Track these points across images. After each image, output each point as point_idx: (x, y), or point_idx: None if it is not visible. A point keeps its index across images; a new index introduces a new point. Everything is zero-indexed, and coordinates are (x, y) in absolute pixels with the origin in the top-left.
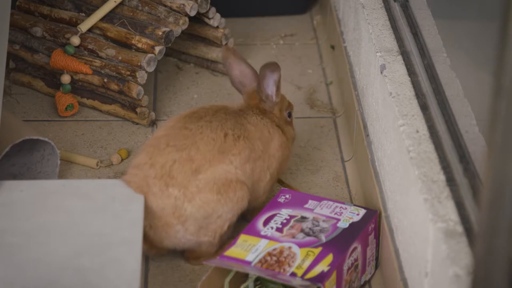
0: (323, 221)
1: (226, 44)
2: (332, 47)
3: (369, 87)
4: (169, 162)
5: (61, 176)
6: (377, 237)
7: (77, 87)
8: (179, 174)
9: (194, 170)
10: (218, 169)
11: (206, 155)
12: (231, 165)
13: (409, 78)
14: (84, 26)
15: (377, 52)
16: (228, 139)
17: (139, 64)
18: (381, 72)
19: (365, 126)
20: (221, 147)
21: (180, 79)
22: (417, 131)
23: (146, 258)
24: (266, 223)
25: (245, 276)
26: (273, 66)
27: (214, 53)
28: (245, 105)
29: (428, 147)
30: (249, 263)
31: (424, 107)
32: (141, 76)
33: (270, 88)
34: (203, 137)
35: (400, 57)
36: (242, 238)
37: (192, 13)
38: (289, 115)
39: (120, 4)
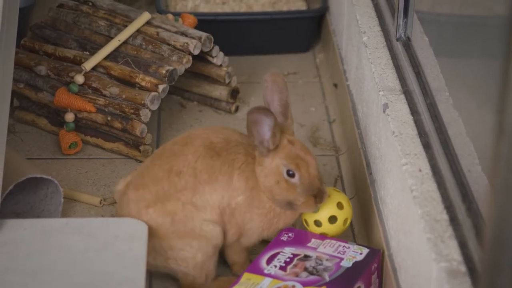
0: (327, 260)
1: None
2: (335, 85)
3: (371, 125)
4: None
5: (64, 214)
6: (380, 276)
7: (81, 125)
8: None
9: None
10: None
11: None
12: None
13: (412, 117)
14: (88, 65)
15: (379, 91)
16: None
17: (142, 102)
18: (384, 111)
19: (368, 165)
20: None
21: (183, 117)
22: (420, 170)
23: None
24: (269, 261)
25: None
26: (266, 111)
27: (217, 91)
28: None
29: (431, 186)
30: None
31: (427, 146)
32: (145, 114)
33: (265, 133)
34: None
35: (402, 96)
36: (246, 276)
37: (196, 52)
38: (291, 175)
39: (124, 43)
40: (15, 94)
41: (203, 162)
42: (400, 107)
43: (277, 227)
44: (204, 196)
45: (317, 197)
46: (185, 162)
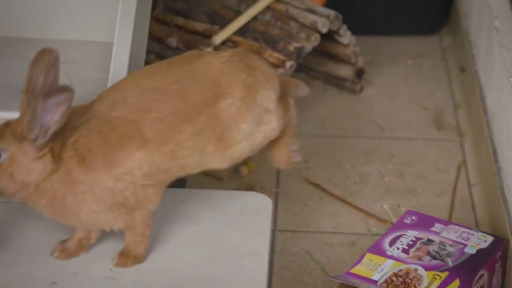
0: (450, 245)
1: None
2: (462, 69)
3: (500, 112)
4: None
5: (189, 185)
6: (504, 265)
7: None
8: None
9: None
10: None
11: None
12: None
13: None
14: (218, 39)
15: (510, 77)
16: None
17: None
18: None
19: (494, 152)
20: None
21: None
22: None
23: (271, 271)
24: (392, 243)
25: None
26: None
27: (343, 71)
28: None
29: None
30: (375, 282)
31: None
32: None
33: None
34: None
35: None
36: (368, 257)
37: (324, 30)
38: None
39: (253, 18)
40: (146, 65)
41: None
42: None
43: None
44: None
45: None
46: None
